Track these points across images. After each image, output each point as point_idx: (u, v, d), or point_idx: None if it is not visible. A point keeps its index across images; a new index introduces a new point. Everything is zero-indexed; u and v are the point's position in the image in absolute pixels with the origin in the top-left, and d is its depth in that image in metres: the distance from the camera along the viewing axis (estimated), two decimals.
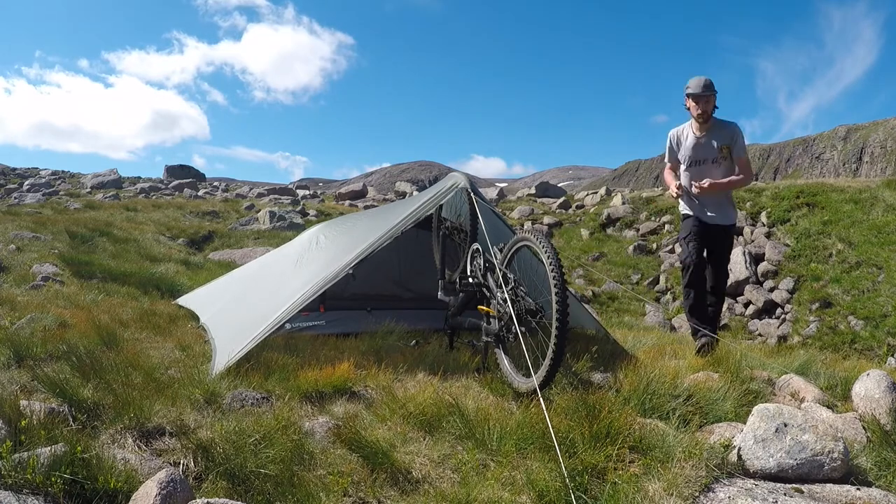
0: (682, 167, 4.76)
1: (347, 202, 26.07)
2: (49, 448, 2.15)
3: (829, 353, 8.34)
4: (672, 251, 17.16)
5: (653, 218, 19.34)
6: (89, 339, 4.03)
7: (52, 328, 4.26)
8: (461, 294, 4.39)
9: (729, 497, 2.33)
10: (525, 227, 19.37)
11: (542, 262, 3.36)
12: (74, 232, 11.36)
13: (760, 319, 13.26)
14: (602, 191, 24.28)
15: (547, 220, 21.09)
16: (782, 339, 11.97)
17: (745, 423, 2.86)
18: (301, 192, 30.00)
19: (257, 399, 3.12)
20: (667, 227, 18.51)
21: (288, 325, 4.71)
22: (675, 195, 4.67)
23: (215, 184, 37.45)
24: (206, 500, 1.93)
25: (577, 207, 23.14)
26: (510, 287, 3.60)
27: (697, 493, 2.37)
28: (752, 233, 16.20)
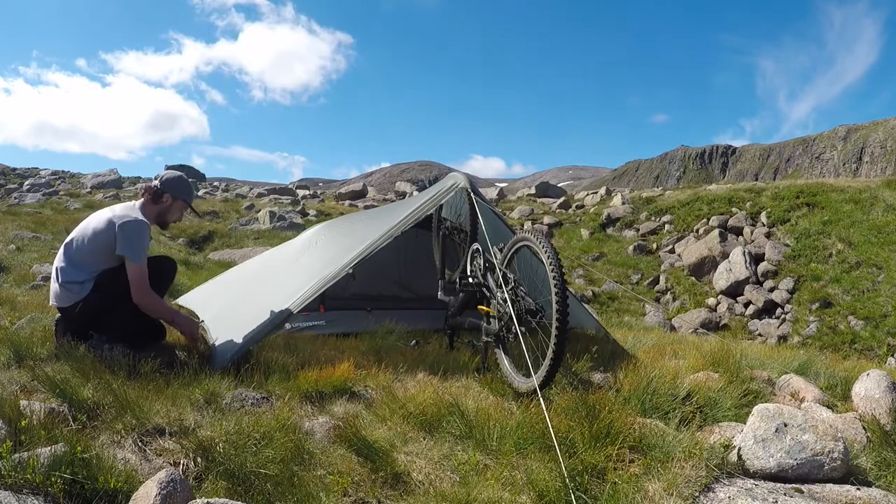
0: None
1: (347, 202, 26.08)
2: (49, 448, 2.15)
3: (829, 353, 8.35)
4: (672, 251, 17.17)
5: (653, 218, 19.35)
6: None
7: (51, 328, 4.25)
8: (461, 294, 4.39)
9: (729, 497, 2.33)
10: (525, 227, 19.38)
11: (542, 262, 3.36)
12: None
13: (760, 319, 13.27)
14: (602, 191, 24.30)
15: (547, 220, 21.11)
16: (782, 339, 11.97)
17: (745, 423, 2.86)
18: (301, 192, 30.02)
19: (257, 399, 3.12)
20: (667, 227, 18.52)
21: (288, 325, 4.71)
22: None
23: (215, 184, 37.49)
24: (206, 500, 1.93)
25: (577, 207, 23.16)
26: (510, 287, 3.60)
27: (697, 493, 2.37)
28: (752, 233, 16.21)
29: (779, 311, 13.20)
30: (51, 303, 3.73)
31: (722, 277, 14.61)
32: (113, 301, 3.60)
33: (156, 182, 3.85)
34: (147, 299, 3.59)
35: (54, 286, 3.66)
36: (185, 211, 4.03)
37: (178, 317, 3.84)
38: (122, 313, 3.61)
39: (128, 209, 3.73)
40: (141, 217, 3.67)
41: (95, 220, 3.68)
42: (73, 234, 3.74)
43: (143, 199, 3.83)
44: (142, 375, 3.21)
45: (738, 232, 16.61)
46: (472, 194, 4.39)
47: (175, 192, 3.86)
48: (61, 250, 3.71)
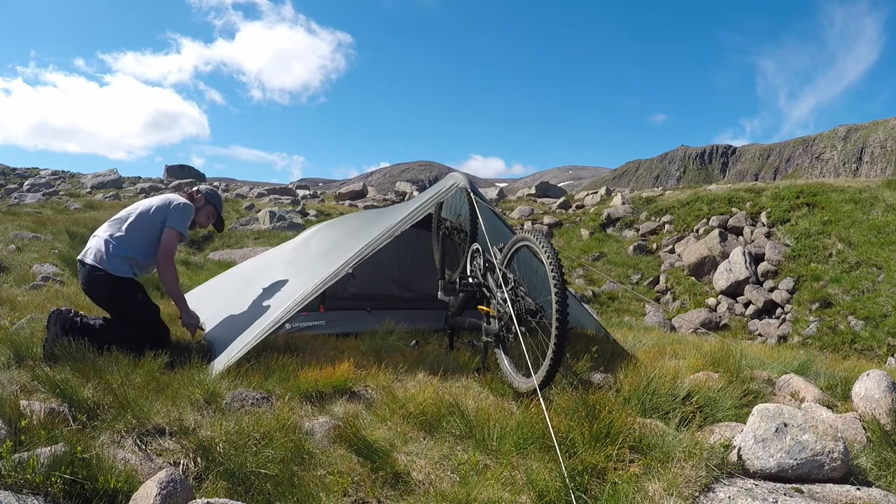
0: None
1: (347, 202, 26.08)
2: (49, 448, 2.15)
3: (829, 353, 8.34)
4: (672, 251, 17.17)
5: (653, 218, 19.34)
6: None
7: None
8: (461, 294, 4.39)
9: (729, 497, 2.33)
10: (525, 227, 19.38)
11: (542, 262, 3.36)
12: (74, 232, 11.36)
13: (760, 319, 13.26)
14: (602, 191, 24.30)
15: (547, 220, 21.10)
16: (782, 339, 11.97)
17: (745, 423, 2.86)
18: (301, 192, 30.00)
19: (257, 399, 3.12)
20: (667, 227, 18.52)
21: (288, 325, 4.71)
22: None
23: (215, 184, 37.47)
24: (206, 500, 1.93)
25: (577, 207, 23.15)
26: (510, 287, 3.60)
27: (697, 493, 2.37)
28: (752, 233, 16.21)
29: (779, 311, 13.19)
30: (97, 263, 3.80)
31: (722, 277, 14.61)
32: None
33: (195, 188, 4.44)
34: (169, 265, 4.01)
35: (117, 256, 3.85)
36: (212, 219, 4.46)
37: (184, 303, 4.14)
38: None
39: (176, 196, 4.21)
40: (189, 202, 4.19)
41: (148, 205, 4.09)
42: (126, 215, 4.03)
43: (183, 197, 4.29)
44: (142, 375, 3.21)
45: (738, 232, 16.60)
46: (471, 194, 4.39)
47: (208, 196, 4.41)
48: (125, 223, 3.98)
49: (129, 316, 3.85)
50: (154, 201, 4.13)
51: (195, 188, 4.41)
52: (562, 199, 24.46)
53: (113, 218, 4.07)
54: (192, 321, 4.14)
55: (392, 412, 3.06)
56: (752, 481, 2.51)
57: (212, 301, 5.48)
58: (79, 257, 3.92)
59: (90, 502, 2.03)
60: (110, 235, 3.91)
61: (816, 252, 14.17)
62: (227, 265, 10.46)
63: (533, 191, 28.19)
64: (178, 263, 10.21)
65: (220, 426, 2.61)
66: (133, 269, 3.94)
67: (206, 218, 4.39)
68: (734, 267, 14.53)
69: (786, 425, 2.64)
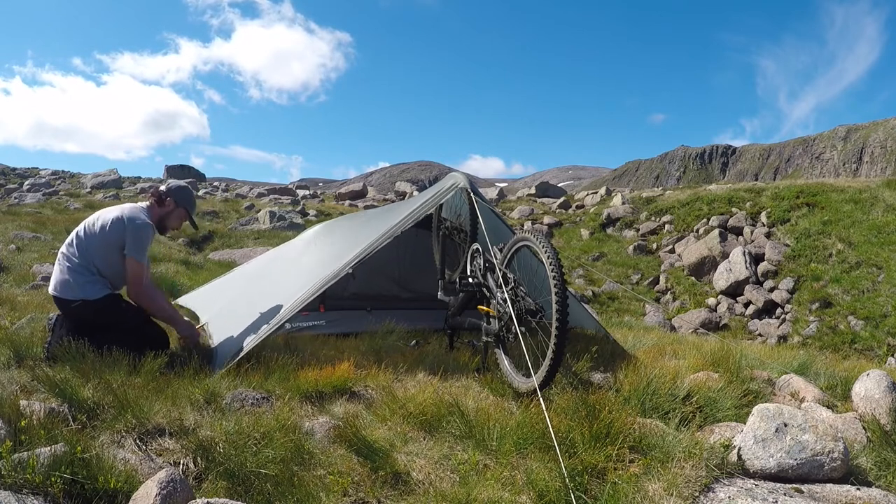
0: None
1: (347, 202, 26.08)
2: (49, 448, 2.15)
3: (829, 353, 8.34)
4: (672, 251, 17.17)
5: (653, 218, 19.34)
6: None
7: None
8: (461, 294, 4.39)
9: (729, 497, 2.33)
10: (525, 227, 19.37)
11: (542, 262, 3.36)
12: None
13: (760, 319, 13.26)
14: (602, 191, 24.30)
15: (547, 220, 21.10)
16: (782, 338, 11.96)
17: (745, 423, 2.87)
18: (301, 192, 30.00)
19: (257, 399, 3.12)
20: (667, 227, 18.52)
21: (288, 325, 4.71)
22: None
23: (215, 184, 37.45)
24: (206, 500, 1.93)
25: (577, 207, 23.15)
26: (510, 287, 3.60)
27: (697, 493, 2.37)
28: (752, 233, 16.20)
29: (779, 311, 13.19)
30: (70, 296, 3.67)
31: (722, 277, 14.61)
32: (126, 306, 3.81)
33: (163, 187, 4.08)
34: (142, 293, 3.77)
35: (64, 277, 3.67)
36: (184, 221, 4.19)
37: (176, 317, 3.95)
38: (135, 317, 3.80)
39: (136, 210, 3.90)
40: (148, 220, 3.86)
41: (103, 220, 3.82)
42: (80, 233, 3.82)
43: (148, 202, 4.03)
44: (142, 375, 3.21)
45: (738, 232, 16.60)
46: (471, 194, 4.39)
47: (178, 199, 4.06)
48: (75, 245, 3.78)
49: (122, 325, 3.76)
50: (109, 215, 3.83)
51: (163, 188, 4.07)
52: (562, 199, 24.47)
53: (67, 240, 3.83)
54: (190, 331, 3.97)
55: (392, 412, 3.06)
56: (752, 481, 2.51)
57: (213, 302, 5.48)
58: (49, 291, 3.76)
59: (90, 502, 2.03)
60: (69, 261, 3.72)
61: (816, 252, 14.16)
62: (227, 265, 10.45)
63: (533, 191, 28.20)
64: (178, 263, 10.22)
65: (220, 426, 2.61)
66: (106, 286, 3.75)
67: (178, 221, 4.10)
68: (734, 267, 14.54)
69: (786, 425, 2.64)
